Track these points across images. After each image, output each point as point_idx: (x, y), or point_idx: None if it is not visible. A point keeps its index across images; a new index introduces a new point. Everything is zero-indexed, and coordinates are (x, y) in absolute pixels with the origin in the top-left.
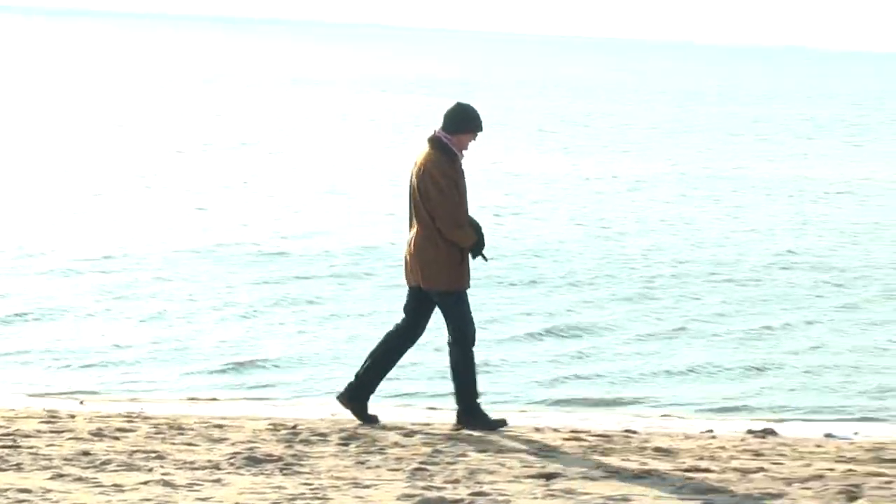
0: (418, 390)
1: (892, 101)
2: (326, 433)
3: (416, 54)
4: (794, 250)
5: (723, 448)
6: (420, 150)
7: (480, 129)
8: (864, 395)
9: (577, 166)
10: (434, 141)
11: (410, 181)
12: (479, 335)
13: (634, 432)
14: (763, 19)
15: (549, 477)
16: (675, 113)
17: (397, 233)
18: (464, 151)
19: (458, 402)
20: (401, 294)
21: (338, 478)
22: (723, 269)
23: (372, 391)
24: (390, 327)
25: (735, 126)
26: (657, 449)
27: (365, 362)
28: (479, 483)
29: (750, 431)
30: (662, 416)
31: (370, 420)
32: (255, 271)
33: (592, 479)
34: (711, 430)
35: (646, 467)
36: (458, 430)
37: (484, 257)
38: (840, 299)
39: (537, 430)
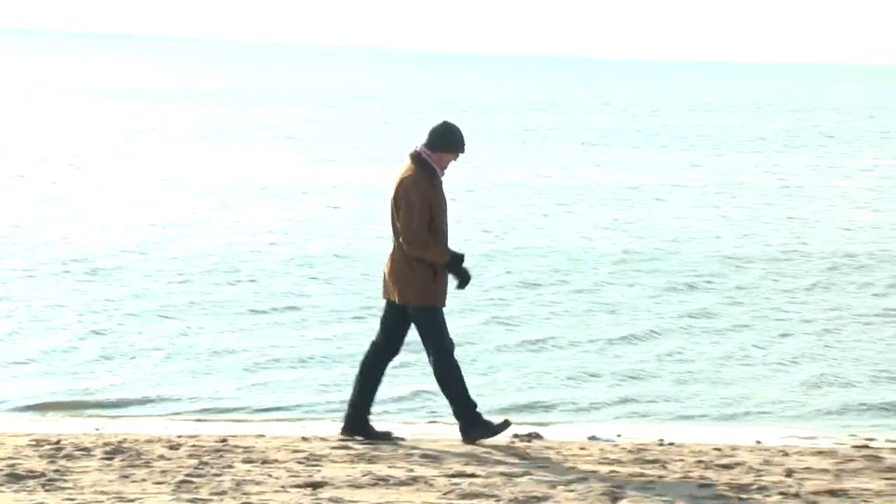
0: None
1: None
2: (90, 448)
3: (164, 64)
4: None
5: (489, 453)
6: (401, 166)
7: (463, 150)
8: (625, 399)
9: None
10: (415, 157)
11: (390, 199)
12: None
13: (402, 439)
14: (514, 27)
15: (316, 486)
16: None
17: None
18: (444, 170)
19: (456, 416)
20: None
21: (102, 492)
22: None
23: (368, 411)
24: (366, 346)
25: (514, 135)
26: (424, 455)
27: (354, 389)
28: (245, 494)
29: (516, 436)
30: (429, 422)
31: (383, 437)
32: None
33: (359, 486)
34: None
35: (412, 474)
36: (468, 441)
37: (462, 285)
38: (598, 304)
39: (305, 439)
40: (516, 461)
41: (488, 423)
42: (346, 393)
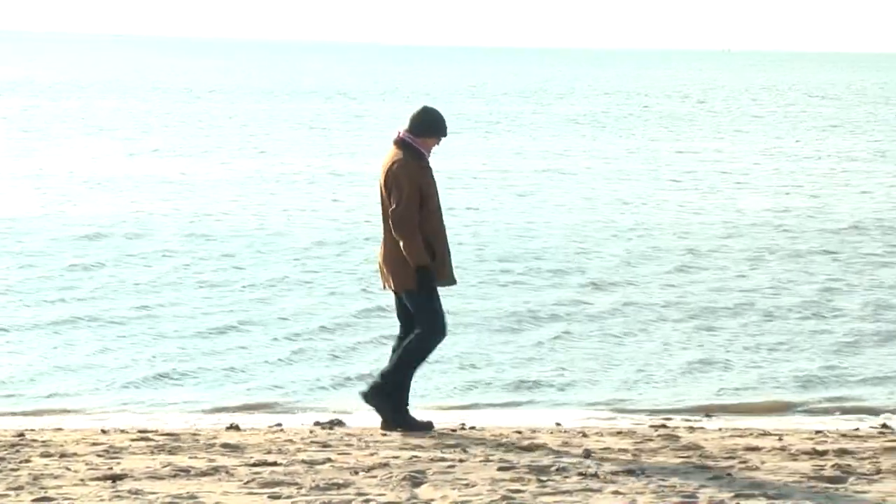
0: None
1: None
2: None
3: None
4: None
5: (290, 441)
6: (386, 153)
7: (445, 134)
8: (425, 385)
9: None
10: (400, 142)
11: (379, 184)
12: None
13: (201, 431)
14: (337, 16)
15: (116, 478)
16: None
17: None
18: (428, 154)
19: (381, 380)
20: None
21: None
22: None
23: (404, 398)
24: (394, 342)
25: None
26: (225, 445)
27: (386, 373)
28: (43, 489)
29: (317, 423)
30: (232, 411)
31: (426, 427)
32: None
33: (160, 477)
34: (280, 424)
35: (213, 464)
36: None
37: (419, 290)
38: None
39: (104, 431)
40: (318, 448)
41: (415, 420)
42: (143, 389)
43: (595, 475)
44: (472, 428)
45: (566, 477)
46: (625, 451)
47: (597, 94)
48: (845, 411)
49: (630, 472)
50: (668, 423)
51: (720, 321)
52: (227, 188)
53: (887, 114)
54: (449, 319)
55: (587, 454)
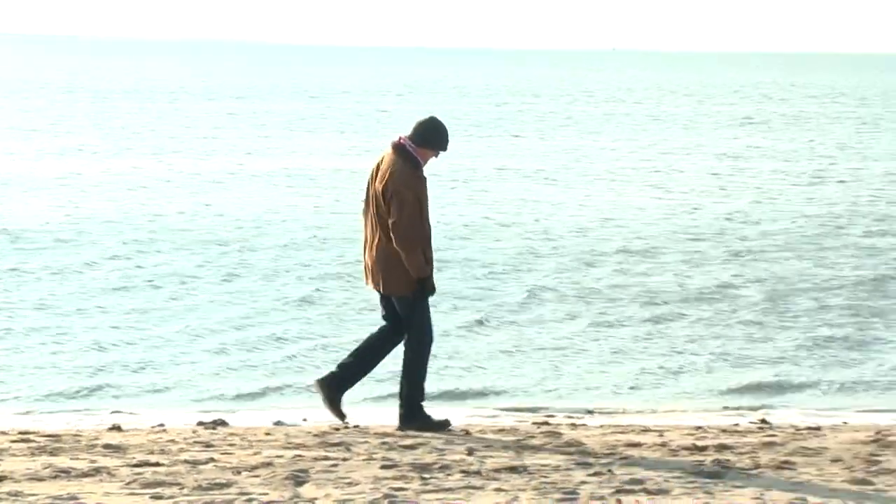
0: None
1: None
2: None
3: None
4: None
5: (173, 441)
6: (383, 155)
7: (445, 149)
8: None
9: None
10: (399, 148)
11: (371, 186)
12: None
13: (83, 432)
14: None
15: None
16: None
17: None
18: (424, 164)
19: (402, 403)
20: None
21: None
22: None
23: (348, 387)
24: (373, 330)
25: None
26: (107, 446)
27: (348, 356)
28: None
29: (200, 423)
30: (113, 412)
31: (443, 425)
32: None
33: (40, 479)
34: (163, 424)
35: (95, 465)
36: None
37: (417, 298)
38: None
39: None
40: (201, 448)
41: (429, 418)
42: (23, 389)
43: (478, 472)
44: (356, 426)
45: (449, 475)
46: (507, 448)
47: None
48: (726, 407)
49: (512, 469)
50: (551, 421)
51: (610, 317)
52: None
53: (709, 109)
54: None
55: (470, 451)
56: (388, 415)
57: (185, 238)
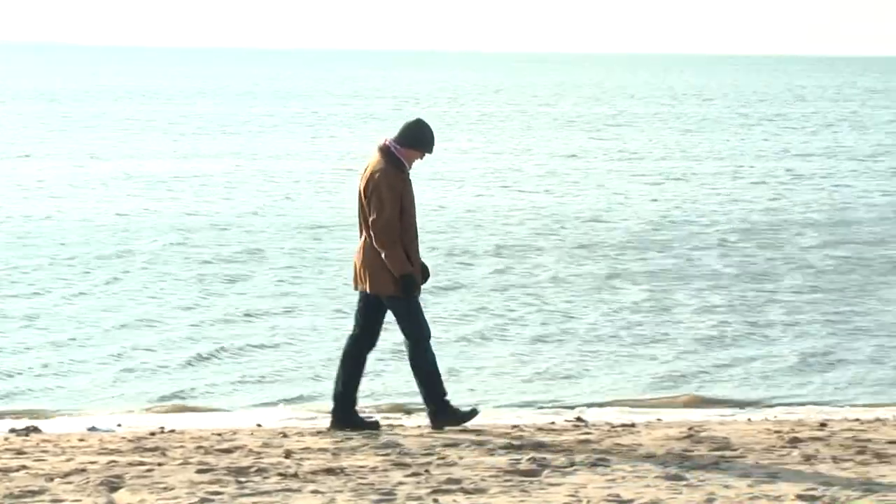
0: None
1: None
2: None
3: None
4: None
5: None
6: (370, 158)
7: (431, 151)
8: (125, 389)
9: None
10: (384, 150)
11: (359, 187)
12: None
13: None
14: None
15: None
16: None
17: None
18: (410, 166)
19: (427, 402)
20: None
21: None
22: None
23: (354, 402)
24: (345, 340)
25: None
26: None
27: (336, 386)
28: None
29: (13, 430)
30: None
31: (371, 426)
32: None
33: None
34: None
35: None
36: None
37: (404, 295)
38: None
39: None
40: (12, 456)
41: (457, 410)
42: None
43: (295, 475)
44: (172, 431)
45: (266, 477)
46: (324, 450)
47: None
48: (542, 406)
49: (329, 471)
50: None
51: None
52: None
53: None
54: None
55: (287, 454)
56: (206, 419)
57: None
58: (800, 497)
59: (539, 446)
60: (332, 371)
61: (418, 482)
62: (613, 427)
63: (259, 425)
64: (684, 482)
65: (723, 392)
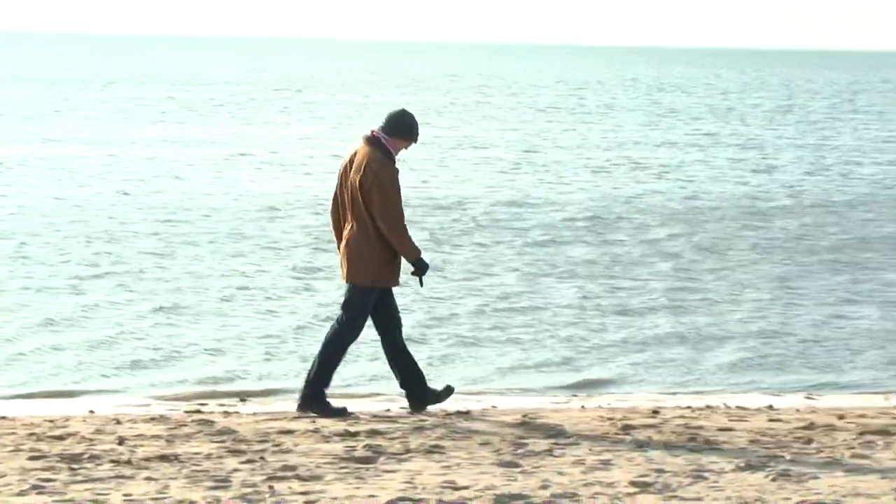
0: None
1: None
2: None
3: None
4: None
5: None
6: (355, 148)
7: (416, 140)
8: None
9: None
10: (373, 140)
11: (345, 177)
12: None
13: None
14: None
15: None
16: None
17: None
18: (396, 155)
19: (307, 384)
20: None
21: None
22: None
23: (326, 385)
24: (331, 324)
25: None
26: None
27: (312, 366)
28: None
29: None
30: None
31: (339, 413)
32: None
33: None
34: None
35: None
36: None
37: (421, 282)
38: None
39: None
40: None
41: (328, 404)
42: None
43: (129, 462)
44: (3, 418)
45: (99, 464)
46: (158, 437)
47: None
48: (376, 393)
49: (163, 458)
50: (203, 409)
51: (265, 307)
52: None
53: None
54: None
55: (120, 441)
56: (39, 406)
57: None
58: (633, 483)
59: (374, 433)
60: (148, 360)
61: (253, 469)
62: (448, 414)
63: (92, 412)
64: (519, 469)
65: (558, 379)
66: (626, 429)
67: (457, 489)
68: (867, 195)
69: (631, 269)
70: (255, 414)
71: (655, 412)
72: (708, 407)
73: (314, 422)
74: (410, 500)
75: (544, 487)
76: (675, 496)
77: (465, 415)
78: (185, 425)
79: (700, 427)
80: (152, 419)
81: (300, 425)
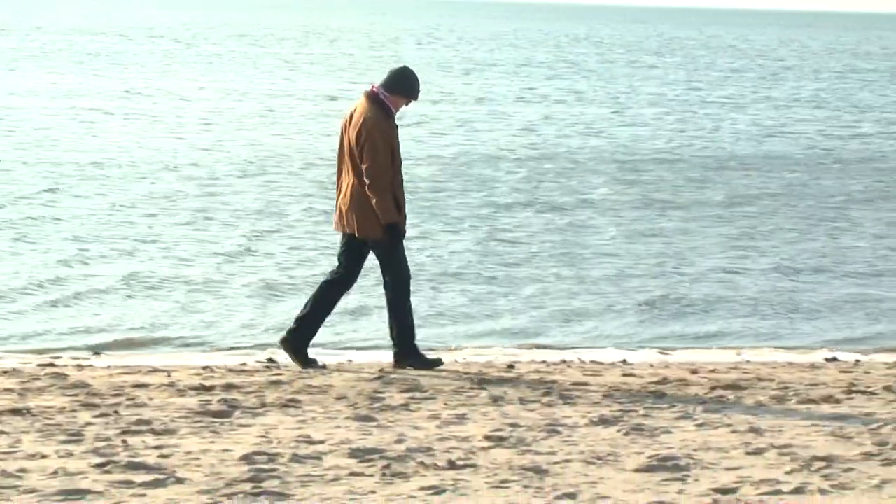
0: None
1: None
2: None
3: None
4: None
5: None
6: (356, 103)
7: (416, 97)
8: None
9: None
10: (372, 96)
11: (344, 132)
12: None
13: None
14: None
15: None
16: None
17: None
18: (396, 112)
19: (396, 342)
20: None
21: None
22: None
23: (311, 337)
24: (325, 276)
25: None
26: None
27: (303, 308)
28: None
29: None
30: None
31: (311, 364)
32: None
33: None
34: None
35: None
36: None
37: (394, 237)
38: None
39: None
40: None
41: (422, 356)
42: None
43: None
44: None
45: None
46: (10, 390)
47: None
48: (233, 347)
49: (15, 412)
50: (57, 363)
51: (140, 261)
52: None
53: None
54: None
55: None
56: None
57: None
58: (487, 438)
59: (230, 387)
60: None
61: (107, 423)
62: (305, 368)
63: None
64: (374, 423)
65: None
66: (482, 383)
67: (312, 443)
68: (738, 154)
69: (506, 224)
70: (108, 367)
71: (511, 367)
72: (563, 362)
73: (169, 375)
74: (265, 454)
75: (399, 441)
76: (529, 450)
77: (322, 369)
78: (38, 379)
79: (555, 381)
80: (4, 372)
81: (155, 379)
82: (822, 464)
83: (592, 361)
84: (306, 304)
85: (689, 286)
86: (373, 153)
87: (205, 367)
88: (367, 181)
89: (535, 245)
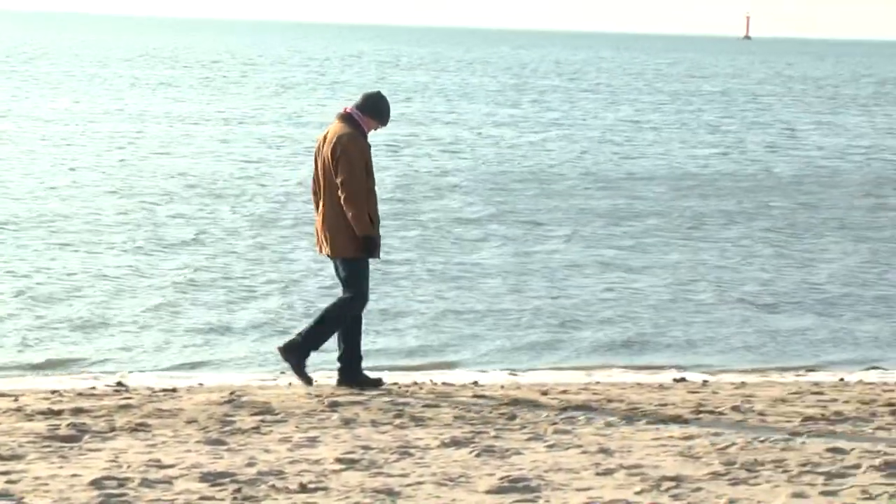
0: None
1: None
2: None
3: None
4: None
5: None
6: (328, 127)
7: (386, 124)
8: None
9: None
10: (347, 117)
11: (318, 155)
12: None
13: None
14: None
15: None
16: None
17: None
18: (368, 133)
19: (341, 359)
20: None
21: None
22: None
23: (358, 358)
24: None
25: None
26: None
27: (339, 344)
28: None
29: None
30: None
31: (376, 383)
32: None
33: None
34: None
35: None
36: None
37: (366, 252)
38: None
39: None
40: None
41: (365, 376)
42: None
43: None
44: None
45: None
46: None
47: None
48: (85, 371)
49: None
50: None
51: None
52: None
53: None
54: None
55: None
56: None
57: None
58: (339, 460)
59: (79, 411)
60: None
61: None
62: (154, 392)
63: None
64: (225, 447)
65: (266, 357)
66: (333, 405)
67: (162, 467)
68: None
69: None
70: None
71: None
72: (415, 383)
73: (16, 400)
74: (115, 478)
75: (251, 465)
76: (381, 472)
77: (172, 392)
78: None
79: (406, 403)
80: None
81: (2, 404)
82: (672, 483)
83: (444, 383)
84: (338, 342)
85: (527, 306)
86: (349, 166)
87: (53, 391)
88: (342, 194)
89: (395, 266)
